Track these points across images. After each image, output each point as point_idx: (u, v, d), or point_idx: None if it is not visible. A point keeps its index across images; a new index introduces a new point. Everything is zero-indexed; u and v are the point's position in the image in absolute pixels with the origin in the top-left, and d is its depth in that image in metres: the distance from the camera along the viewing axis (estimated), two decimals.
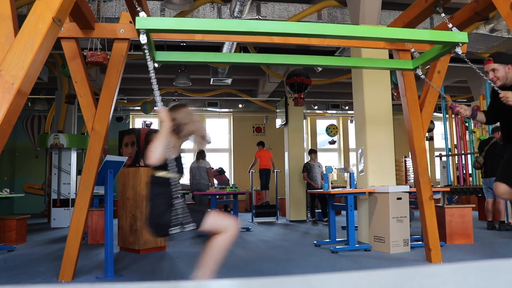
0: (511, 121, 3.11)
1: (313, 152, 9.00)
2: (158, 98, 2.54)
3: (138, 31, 2.45)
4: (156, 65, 3.34)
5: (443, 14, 3.52)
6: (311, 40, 4.20)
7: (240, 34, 2.80)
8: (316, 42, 4.25)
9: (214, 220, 2.55)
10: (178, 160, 2.59)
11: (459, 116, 8.72)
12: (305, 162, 9.21)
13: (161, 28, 2.56)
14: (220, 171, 12.27)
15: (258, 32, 2.72)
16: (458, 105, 3.25)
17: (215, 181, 11.49)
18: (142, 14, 2.51)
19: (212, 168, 12.40)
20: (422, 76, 3.54)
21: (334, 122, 14.96)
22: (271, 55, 3.94)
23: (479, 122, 3.36)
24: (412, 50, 3.74)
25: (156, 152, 2.41)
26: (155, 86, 2.51)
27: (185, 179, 12.64)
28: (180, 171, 2.63)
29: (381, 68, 4.09)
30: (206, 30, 2.68)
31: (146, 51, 2.52)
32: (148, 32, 2.49)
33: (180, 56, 3.55)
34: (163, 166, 2.53)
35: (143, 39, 2.46)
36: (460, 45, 2.94)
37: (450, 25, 3.16)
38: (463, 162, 8.46)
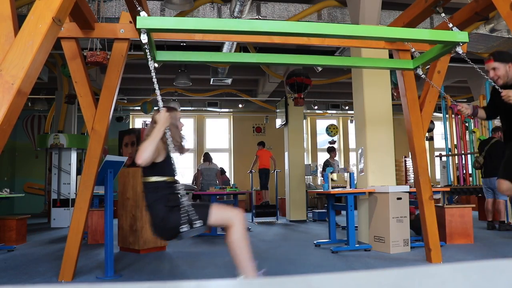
0: (511, 120, 3.12)
1: (332, 150, 8.79)
2: (159, 98, 2.55)
3: (139, 31, 2.45)
4: (156, 65, 3.35)
5: (443, 14, 3.52)
6: (311, 40, 4.20)
7: (241, 33, 2.81)
8: (316, 42, 4.25)
9: (218, 213, 2.55)
10: (168, 162, 2.56)
11: (459, 116, 8.72)
12: (325, 160, 9.15)
13: (162, 27, 2.57)
14: (221, 171, 12.28)
15: (259, 31, 2.72)
16: (459, 104, 3.26)
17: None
18: (143, 13, 2.52)
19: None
20: (423, 76, 3.54)
21: (334, 122, 14.97)
22: (271, 54, 3.93)
23: (480, 119, 3.39)
24: (413, 50, 3.74)
25: (146, 152, 2.41)
26: (156, 86, 2.52)
27: (188, 179, 12.68)
28: (171, 172, 2.60)
29: (382, 67, 4.10)
30: (207, 29, 2.68)
31: (147, 50, 2.54)
32: (148, 31, 2.50)
33: (180, 55, 3.55)
34: (153, 171, 2.54)
35: (144, 38, 2.47)
36: (461, 44, 2.94)
37: (450, 25, 3.15)
38: (463, 162, 8.46)
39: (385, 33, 3.00)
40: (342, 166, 13.91)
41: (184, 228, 2.44)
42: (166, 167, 2.56)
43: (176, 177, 2.59)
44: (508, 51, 3.06)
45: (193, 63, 3.90)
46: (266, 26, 2.72)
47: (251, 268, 2.51)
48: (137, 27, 2.44)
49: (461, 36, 2.91)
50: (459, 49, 2.97)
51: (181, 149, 2.78)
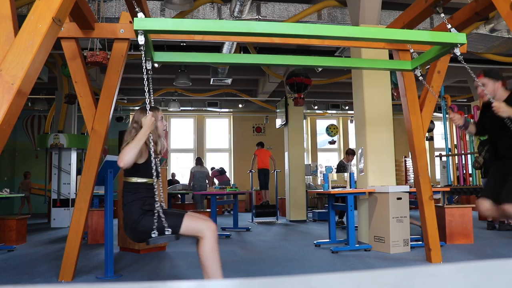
0: (499, 137, 3.07)
1: (351, 153, 8.70)
2: (147, 100, 2.58)
3: (136, 32, 2.46)
4: (156, 65, 3.36)
5: (442, 15, 3.52)
6: (311, 40, 4.20)
7: (239, 35, 2.80)
8: (316, 42, 4.24)
9: (190, 223, 2.52)
10: (149, 164, 2.54)
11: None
12: (340, 160, 9.14)
13: (159, 29, 2.57)
14: (221, 171, 12.30)
15: (257, 33, 2.72)
16: (452, 113, 3.26)
17: (216, 181, 11.61)
18: (140, 15, 2.52)
19: (213, 168, 12.57)
20: (420, 78, 3.54)
21: (334, 122, 14.97)
22: (271, 56, 3.94)
23: (468, 133, 3.36)
24: (412, 50, 3.74)
25: (130, 155, 2.40)
26: (146, 88, 2.56)
27: (185, 180, 12.72)
28: (151, 175, 2.55)
29: (380, 69, 4.10)
30: (205, 31, 2.68)
31: (143, 52, 2.56)
32: (146, 33, 2.51)
33: (178, 56, 3.55)
34: (135, 172, 2.53)
35: (141, 40, 2.48)
36: (459, 46, 2.94)
37: (449, 26, 3.15)
38: (463, 162, 8.46)
39: (384, 35, 2.99)
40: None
41: (154, 234, 2.43)
42: (147, 169, 2.55)
43: (155, 180, 2.54)
44: (497, 71, 3.07)
45: (191, 64, 3.89)
46: (264, 28, 2.71)
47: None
48: (134, 28, 2.45)
49: (459, 37, 2.91)
50: (457, 51, 2.97)
51: (160, 152, 2.75)
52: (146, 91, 2.57)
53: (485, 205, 3.02)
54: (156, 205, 2.47)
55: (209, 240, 2.50)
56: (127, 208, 2.57)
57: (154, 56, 3.13)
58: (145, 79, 2.58)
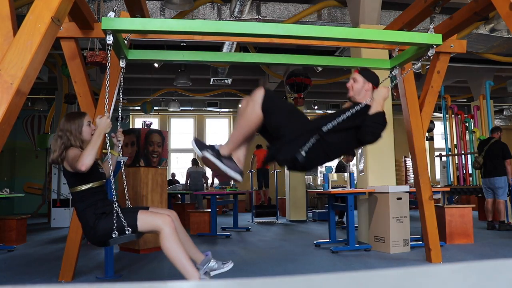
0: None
1: (350, 153, 8.72)
2: (111, 104, 2.61)
3: (105, 32, 2.45)
4: (156, 64, 3.35)
5: (435, 18, 3.53)
6: (309, 40, 4.19)
7: (208, 34, 2.78)
8: (315, 42, 4.23)
9: (144, 219, 2.50)
10: (93, 167, 2.51)
11: (459, 116, 8.72)
12: (339, 161, 9.15)
13: (127, 28, 2.56)
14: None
15: (228, 33, 2.67)
16: None
17: (216, 181, 11.59)
18: (110, 14, 2.50)
19: None
20: (396, 81, 3.55)
21: None
22: (270, 55, 3.92)
23: None
24: (396, 49, 3.76)
25: (89, 157, 2.39)
26: (107, 88, 2.58)
27: (182, 180, 12.75)
28: (95, 178, 2.55)
29: (361, 67, 4.10)
30: (173, 31, 2.65)
31: (110, 51, 2.59)
32: (114, 32, 2.50)
33: (151, 54, 3.55)
34: (78, 180, 2.52)
35: (109, 39, 2.46)
36: (434, 47, 2.93)
37: (431, 26, 3.16)
38: (463, 162, 8.46)
39: (353, 35, 2.94)
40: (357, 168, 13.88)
41: (115, 234, 2.43)
42: (91, 173, 2.52)
43: (103, 181, 2.53)
44: (376, 75, 2.89)
45: (166, 62, 3.89)
46: (234, 28, 2.66)
47: (191, 270, 2.44)
48: (102, 28, 2.42)
49: (434, 38, 2.91)
50: (432, 51, 2.96)
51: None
52: (107, 96, 2.59)
53: None
54: (115, 205, 2.45)
55: (166, 234, 2.46)
56: (81, 216, 2.57)
57: (127, 54, 3.13)
58: (107, 83, 2.58)
